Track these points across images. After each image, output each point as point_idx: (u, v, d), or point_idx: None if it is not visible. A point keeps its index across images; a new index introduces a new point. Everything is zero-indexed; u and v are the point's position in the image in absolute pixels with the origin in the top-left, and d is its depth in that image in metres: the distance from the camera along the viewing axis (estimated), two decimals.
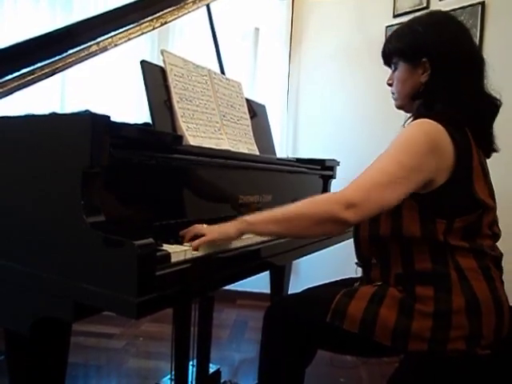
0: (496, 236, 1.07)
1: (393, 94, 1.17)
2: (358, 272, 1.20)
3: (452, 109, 1.02)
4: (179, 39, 2.86)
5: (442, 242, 0.98)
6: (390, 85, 1.17)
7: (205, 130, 1.29)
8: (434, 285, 0.97)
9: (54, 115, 0.86)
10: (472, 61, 1.05)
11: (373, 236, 1.07)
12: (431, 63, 1.05)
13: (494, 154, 1.12)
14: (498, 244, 1.09)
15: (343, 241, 1.60)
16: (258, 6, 3.10)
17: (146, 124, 1.15)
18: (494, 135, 1.08)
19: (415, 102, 1.12)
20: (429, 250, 1.00)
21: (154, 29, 1.48)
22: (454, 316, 0.94)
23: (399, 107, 1.18)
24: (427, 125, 0.98)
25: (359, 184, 0.93)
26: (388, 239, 1.04)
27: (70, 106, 2.42)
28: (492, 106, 1.06)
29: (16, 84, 1.15)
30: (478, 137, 1.04)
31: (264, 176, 1.40)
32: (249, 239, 1.10)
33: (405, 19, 2.76)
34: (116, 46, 1.36)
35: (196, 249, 0.90)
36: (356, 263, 1.18)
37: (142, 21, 1.44)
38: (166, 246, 0.86)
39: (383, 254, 1.07)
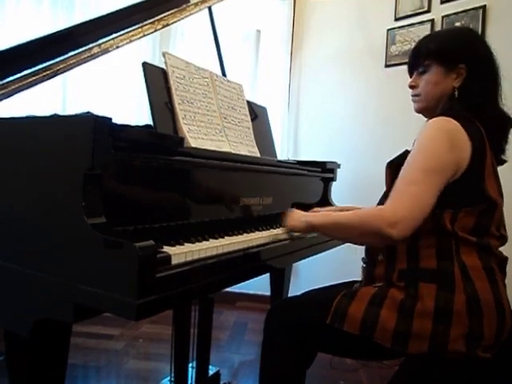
0: (503, 238, 1.08)
1: (415, 95, 1.18)
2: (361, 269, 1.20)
3: (474, 113, 1.05)
4: (181, 41, 2.86)
5: (449, 231, 0.99)
6: (413, 87, 1.18)
7: (206, 132, 1.29)
8: (438, 283, 0.98)
9: (56, 117, 0.86)
10: (498, 78, 1.11)
11: None
12: (468, 70, 1.09)
13: None
14: (502, 248, 1.09)
15: (343, 244, 1.60)
16: (260, 7, 3.10)
17: (147, 126, 1.16)
18: (506, 147, 1.13)
19: (439, 106, 1.13)
20: (436, 243, 1.01)
21: (155, 31, 1.49)
22: (455, 315, 0.94)
23: (421, 110, 1.18)
24: (444, 122, 1.02)
25: (399, 200, 0.97)
26: None
27: (72, 107, 2.42)
28: (508, 121, 1.10)
29: (18, 85, 1.16)
30: (492, 143, 1.07)
31: (265, 178, 1.40)
32: (249, 241, 1.10)
33: (406, 22, 2.78)
34: (118, 47, 1.37)
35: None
36: (362, 258, 1.19)
37: (144, 23, 1.45)
38: (166, 248, 0.86)
39: (390, 249, 1.08)
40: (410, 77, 1.20)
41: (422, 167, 0.99)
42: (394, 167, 1.08)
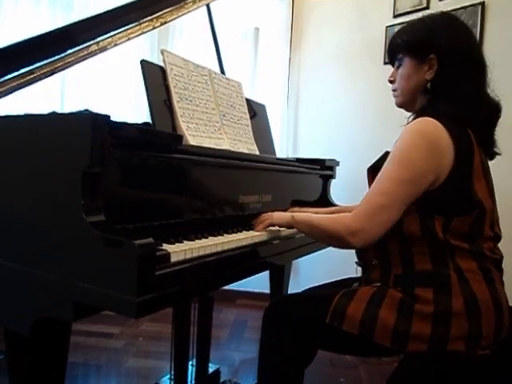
0: (497, 237, 1.07)
1: (394, 91, 1.16)
2: (358, 272, 1.19)
3: (455, 108, 1.02)
4: (179, 39, 2.86)
5: (441, 239, 0.98)
6: (392, 82, 1.16)
7: (205, 129, 1.29)
8: (434, 286, 0.97)
9: (54, 115, 0.86)
10: (478, 65, 1.06)
11: None
12: (439, 60, 1.05)
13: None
14: (498, 245, 1.08)
15: None
16: (258, 5, 3.10)
17: (145, 124, 1.15)
18: (496, 139, 1.09)
19: (417, 100, 1.11)
20: (428, 250, 1.00)
21: (153, 28, 1.48)
22: (454, 317, 0.94)
23: (400, 105, 1.16)
24: (425, 124, 0.99)
25: (363, 210, 0.98)
26: (388, 237, 1.04)
27: (70, 105, 2.41)
28: (494, 110, 1.06)
29: (16, 83, 1.15)
30: (480, 138, 1.03)
31: (264, 176, 1.40)
32: (248, 239, 1.10)
33: (405, 19, 2.78)
34: (116, 45, 1.36)
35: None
36: (356, 262, 1.18)
37: (142, 20, 1.44)
38: (165, 246, 0.86)
39: (383, 255, 1.07)
40: None
41: (393, 177, 0.97)
42: (374, 171, 1.05)
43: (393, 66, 1.17)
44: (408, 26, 1.14)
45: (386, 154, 1.05)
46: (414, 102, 1.12)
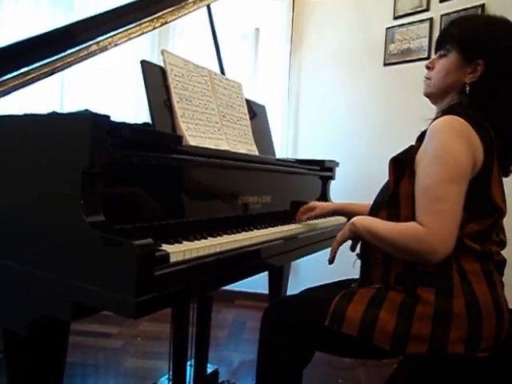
0: (502, 242, 1.07)
1: (428, 78, 1.13)
2: (355, 265, 1.17)
3: (485, 116, 1.01)
4: (179, 39, 2.86)
5: (458, 236, 0.96)
6: (429, 68, 1.13)
7: (204, 130, 1.29)
8: (436, 286, 0.97)
9: (54, 115, 0.86)
10: None
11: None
12: (486, 68, 1.02)
13: None
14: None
15: None
16: (259, 6, 3.10)
17: (145, 124, 1.15)
18: None
19: (447, 97, 1.09)
20: None
21: (154, 29, 1.48)
22: (454, 318, 0.93)
23: (428, 95, 1.14)
24: (455, 121, 0.97)
25: (436, 222, 0.93)
26: None
27: (70, 105, 2.41)
28: None
29: (15, 83, 1.15)
30: (501, 154, 1.02)
31: (263, 176, 1.40)
32: (247, 240, 1.10)
33: (405, 21, 2.77)
34: (116, 45, 1.36)
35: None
36: (357, 254, 1.15)
37: (143, 20, 1.44)
38: (165, 246, 0.86)
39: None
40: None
41: (445, 179, 0.94)
42: (398, 164, 1.04)
43: (435, 52, 1.13)
44: (469, 20, 1.09)
45: (411, 147, 1.04)
46: (444, 97, 1.10)
